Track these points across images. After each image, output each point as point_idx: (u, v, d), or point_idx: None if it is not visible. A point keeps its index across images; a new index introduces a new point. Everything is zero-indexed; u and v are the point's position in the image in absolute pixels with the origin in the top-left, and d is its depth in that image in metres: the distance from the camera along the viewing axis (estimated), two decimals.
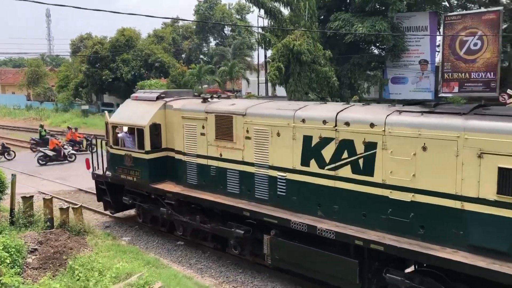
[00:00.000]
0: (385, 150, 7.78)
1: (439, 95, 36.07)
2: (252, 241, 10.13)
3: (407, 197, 7.57)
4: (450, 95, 35.13)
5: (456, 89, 35.35)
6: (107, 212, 14.15)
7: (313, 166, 8.80)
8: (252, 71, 49.30)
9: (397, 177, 7.66)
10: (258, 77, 44.45)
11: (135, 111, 12.21)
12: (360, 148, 8.11)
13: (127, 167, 12.16)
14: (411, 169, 7.50)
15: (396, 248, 7.45)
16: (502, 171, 6.60)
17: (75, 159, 23.82)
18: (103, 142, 13.33)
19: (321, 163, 8.67)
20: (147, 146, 11.63)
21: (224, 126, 10.30)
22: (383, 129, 7.77)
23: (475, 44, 34.30)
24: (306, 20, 33.01)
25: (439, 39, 38.55)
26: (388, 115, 7.86)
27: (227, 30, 64.89)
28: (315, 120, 8.73)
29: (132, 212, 14.08)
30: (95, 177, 13.54)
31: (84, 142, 25.94)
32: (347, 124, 8.25)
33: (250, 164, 9.89)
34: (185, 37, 62.43)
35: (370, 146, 7.97)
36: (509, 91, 25.50)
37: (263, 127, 9.56)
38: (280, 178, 9.38)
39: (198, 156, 10.97)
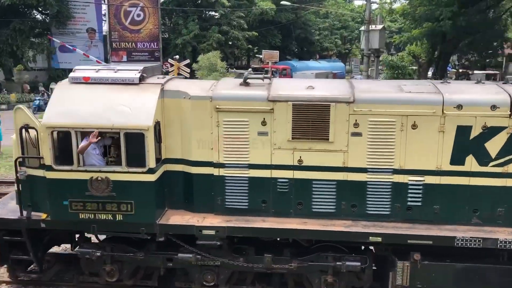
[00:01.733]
0: None
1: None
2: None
3: None
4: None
5: (124, 58, 37.59)
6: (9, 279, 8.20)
7: (470, 164, 6.93)
8: None
9: None
10: None
11: (103, 104, 7.10)
12: None
13: (98, 199, 7.10)
14: None
15: None
16: None
17: None
18: (17, 162, 7.39)
19: (483, 159, 6.90)
20: (151, 161, 7.00)
21: (310, 120, 7.01)
22: None
23: (138, 15, 37.31)
24: None
25: (104, 7, 39.59)
26: None
27: None
28: (478, 105, 6.81)
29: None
30: None
31: None
32: None
33: (359, 170, 7.11)
34: None
35: None
36: (170, 60, 28.24)
37: (387, 118, 6.93)
38: (413, 184, 7.08)
39: (252, 166, 7.27)
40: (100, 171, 7.06)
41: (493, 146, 6.85)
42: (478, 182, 6.97)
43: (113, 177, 7.05)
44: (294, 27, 50.82)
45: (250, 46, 44.46)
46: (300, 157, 7.18)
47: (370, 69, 29.90)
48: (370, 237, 6.97)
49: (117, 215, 7.16)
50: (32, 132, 7.31)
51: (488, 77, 38.26)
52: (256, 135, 7.17)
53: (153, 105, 7.04)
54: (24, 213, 7.37)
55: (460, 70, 36.74)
